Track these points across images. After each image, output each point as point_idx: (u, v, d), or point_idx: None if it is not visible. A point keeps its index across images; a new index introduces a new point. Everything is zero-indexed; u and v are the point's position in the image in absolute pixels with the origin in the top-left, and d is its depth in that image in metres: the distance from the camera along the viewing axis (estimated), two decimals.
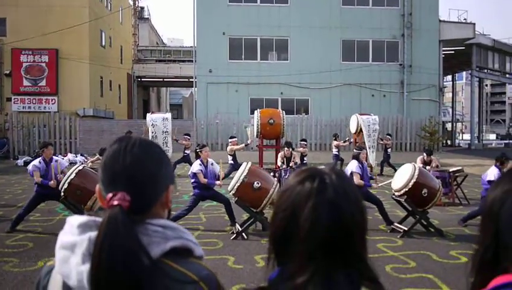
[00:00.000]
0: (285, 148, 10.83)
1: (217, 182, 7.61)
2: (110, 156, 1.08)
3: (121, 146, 1.09)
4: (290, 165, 10.35)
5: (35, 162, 7.47)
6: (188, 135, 15.74)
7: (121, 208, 0.99)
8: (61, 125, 23.18)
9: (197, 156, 7.68)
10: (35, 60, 26.05)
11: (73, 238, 1.00)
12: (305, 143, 13.66)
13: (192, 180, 7.51)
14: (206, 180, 7.35)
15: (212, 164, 7.62)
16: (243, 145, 13.66)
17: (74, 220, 1.03)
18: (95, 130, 23.38)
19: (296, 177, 1.05)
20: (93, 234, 0.98)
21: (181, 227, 1.07)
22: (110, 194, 1.02)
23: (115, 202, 0.99)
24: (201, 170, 7.38)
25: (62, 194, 7.03)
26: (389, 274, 5.24)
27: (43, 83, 26.10)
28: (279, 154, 10.98)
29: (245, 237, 6.89)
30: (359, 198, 1.03)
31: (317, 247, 0.96)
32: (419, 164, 10.41)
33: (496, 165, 7.83)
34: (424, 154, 10.96)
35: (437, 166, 10.94)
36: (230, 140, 13.56)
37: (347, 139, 16.68)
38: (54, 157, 7.65)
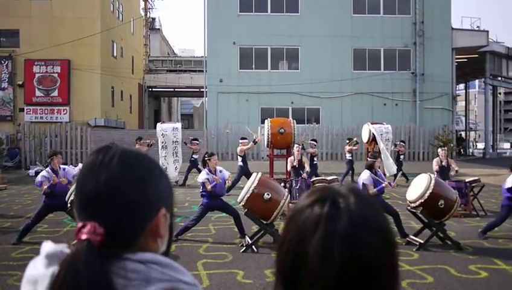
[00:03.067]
0: (295, 146, 10.70)
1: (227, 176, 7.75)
2: (82, 173, 0.87)
3: (96, 160, 0.87)
4: (302, 176, 10.13)
5: (44, 172, 7.39)
6: (196, 139, 15.65)
7: (89, 244, 0.78)
8: (72, 135, 23.26)
9: (205, 165, 7.61)
10: (47, 71, 26.26)
11: (38, 271, 0.82)
12: (315, 143, 13.58)
13: (201, 190, 7.44)
14: (210, 186, 7.23)
15: (220, 171, 7.56)
16: (252, 143, 13.55)
17: (44, 248, 0.84)
18: (106, 140, 23.38)
19: (306, 198, 0.83)
20: (56, 270, 0.79)
21: (174, 263, 0.84)
22: (80, 224, 0.82)
23: (83, 236, 0.79)
24: (208, 179, 7.29)
25: (68, 205, 6.92)
26: None
27: (55, 93, 26.27)
28: (289, 159, 10.78)
29: (255, 250, 6.70)
30: (386, 228, 0.80)
31: None
32: (435, 167, 10.23)
33: None
34: (439, 150, 10.71)
35: (456, 171, 10.66)
36: (240, 141, 13.53)
37: (355, 139, 16.16)
38: (61, 166, 7.60)
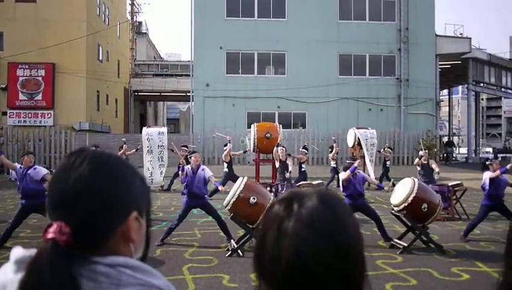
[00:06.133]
0: (280, 148, 10.35)
1: (220, 188, 7.86)
2: (54, 176, 0.88)
3: (68, 162, 0.87)
4: (287, 177, 10.03)
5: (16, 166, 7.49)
6: (186, 146, 15.58)
7: (54, 244, 0.77)
8: (56, 140, 23.00)
9: (188, 163, 7.82)
10: (31, 74, 25.97)
11: (7, 277, 0.81)
12: (305, 151, 13.69)
13: (184, 190, 7.56)
14: (182, 177, 7.45)
15: (202, 170, 7.55)
16: (241, 151, 13.68)
17: (14, 254, 0.84)
18: (91, 144, 23.18)
19: (281, 196, 0.91)
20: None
21: (146, 266, 0.83)
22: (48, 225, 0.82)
23: (49, 235, 0.78)
24: (186, 172, 7.40)
25: None
26: None
27: (39, 97, 25.99)
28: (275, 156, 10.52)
29: (241, 254, 6.69)
30: (339, 236, 0.81)
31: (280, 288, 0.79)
32: (417, 164, 10.48)
33: (486, 170, 7.74)
34: (420, 152, 10.90)
35: (438, 173, 10.76)
36: (225, 147, 13.51)
37: (335, 140, 16.29)
38: (34, 165, 7.47)
